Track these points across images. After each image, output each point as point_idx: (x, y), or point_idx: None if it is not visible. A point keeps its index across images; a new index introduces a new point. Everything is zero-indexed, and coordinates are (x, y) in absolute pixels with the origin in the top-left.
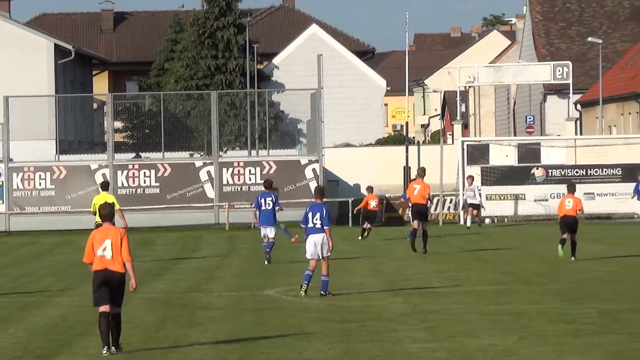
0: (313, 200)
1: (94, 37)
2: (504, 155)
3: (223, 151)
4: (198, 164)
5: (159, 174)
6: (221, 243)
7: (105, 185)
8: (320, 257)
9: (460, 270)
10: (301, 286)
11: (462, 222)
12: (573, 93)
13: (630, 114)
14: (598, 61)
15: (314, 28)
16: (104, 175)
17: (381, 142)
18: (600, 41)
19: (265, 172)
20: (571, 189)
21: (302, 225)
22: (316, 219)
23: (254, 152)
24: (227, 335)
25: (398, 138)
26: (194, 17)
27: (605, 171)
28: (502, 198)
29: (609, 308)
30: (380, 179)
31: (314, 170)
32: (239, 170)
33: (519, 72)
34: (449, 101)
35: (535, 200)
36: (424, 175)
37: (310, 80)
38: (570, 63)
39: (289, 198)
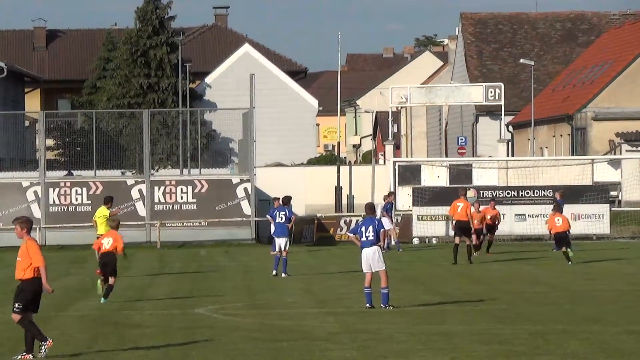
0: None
1: (26, 55)
2: (435, 175)
3: (155, 170)
4: (130, 182)
5: (91, 192)
6: (152, 261)
7: (106, 200)
8: (373, 271)
9: (391, 290)
10: (367, 307)
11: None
12: (505, 114)
13: (561, 135)
14: (530, 83)
15: (246, 47)
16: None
17: (313, 162)
18: (532, 63)
19: (197, 191)
20: (557, 208)
21: (349, 234)
22: (368, 232)
23: (185, 171)
24: (158, 354)
25: (330, 158)
26: (127, 36)
27: (537, 193)
28: (434, 219)
29: (540, 329)
30: (311, 198)
31: (245, 189)
32: (170, 189)
33: (451, 93)
34: (380, 122)
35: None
36: (465, 194)
37: (242, 99)
38: (502, 84)
39: (221, 217)
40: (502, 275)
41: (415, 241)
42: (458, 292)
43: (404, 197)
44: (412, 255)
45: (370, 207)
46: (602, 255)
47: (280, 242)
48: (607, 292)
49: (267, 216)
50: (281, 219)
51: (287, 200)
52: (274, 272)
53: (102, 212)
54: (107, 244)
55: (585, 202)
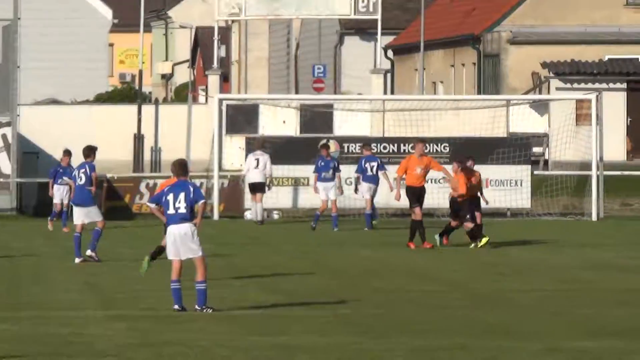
0: None
1: None
2: (280, 121)
3: None
4: None
5: None
6: None
7: None
8: (183, 258)
9: (211, 286)
10: (175, 309)
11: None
12: (382, 34)
13: (463, 65)
14: None
15: None
16: None
17: (103, 99)
18: None
19: None
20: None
21: (149, 205)
22: (178, 203)
23: None
24: None
25: (127, 93)
26: None
27: (427, 147)
28: (277, 183)
29: (425, 344)
30: (100, 151)
31: (4, 136)
32: None
33: (304, 1)
34: (202, 42)
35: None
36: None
37: (2, 7)
38: None
39: None
40: (373, 267)
41: (248, 215)
42: (308, 290)
43: (234, 152)
44: (243, 237)
45: (180, 166)
46: (519, 238)
47: (81, 213)
48: (526, 293)
49: (65, 178)
50: (81, 180)
51: (89, 152)
52: (88, 254)
53: None
54: None
55: (496, 162)
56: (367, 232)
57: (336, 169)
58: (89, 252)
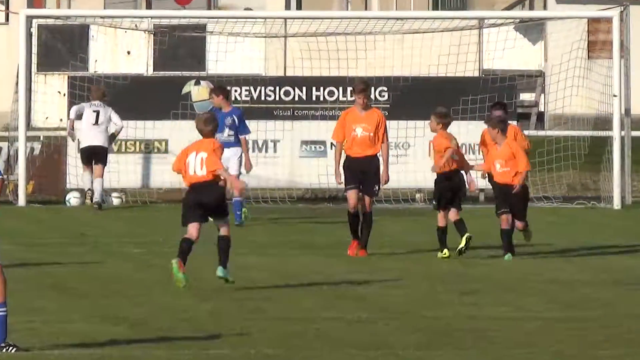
0: None
1: None
2: (122, 51)
3: None
4: None
5: None
6: None
7: None
8: None
9: (14, 311)
10: None
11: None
12: None
13: None
14: None
15: None
16: None
17: None
18: None
19: None
20: (501, 123)
21: None
22: None
23: None
24: None
25: None
26: None
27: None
28: (125, 149)
29: None
30: None
31: None
32: None
33: None
34: None
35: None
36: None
37: None
38: None
39: None
40: (267, 281)
41: (73, 200)
42: (167, 318)
43: (49, 99)
44: (65, 232)
45: None
46: (499, 238)
47: None
48: (511, 324)
49: None
50: None
51: None
52: None
53: None
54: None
55: (463, 117)
56: (257, 228)
57: (238, 128)
58: None
